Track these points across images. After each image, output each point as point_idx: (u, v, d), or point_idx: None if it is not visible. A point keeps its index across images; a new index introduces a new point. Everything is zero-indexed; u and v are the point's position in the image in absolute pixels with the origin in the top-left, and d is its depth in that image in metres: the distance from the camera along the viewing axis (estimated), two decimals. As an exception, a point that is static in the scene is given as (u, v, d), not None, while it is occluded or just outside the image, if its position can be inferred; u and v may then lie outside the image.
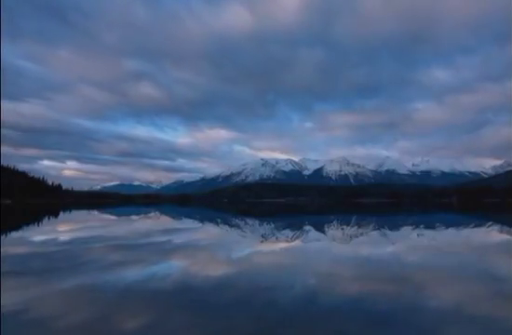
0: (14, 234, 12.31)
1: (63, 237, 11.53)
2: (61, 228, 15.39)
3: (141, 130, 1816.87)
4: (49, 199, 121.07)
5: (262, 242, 10.43)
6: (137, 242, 10.27)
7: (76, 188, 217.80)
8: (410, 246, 9.54)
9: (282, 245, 9.78)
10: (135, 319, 3.79)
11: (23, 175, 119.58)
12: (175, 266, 6.70)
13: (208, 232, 14.23)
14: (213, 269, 6.34)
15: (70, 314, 3.90)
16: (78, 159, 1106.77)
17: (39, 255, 7.87)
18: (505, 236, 11.96)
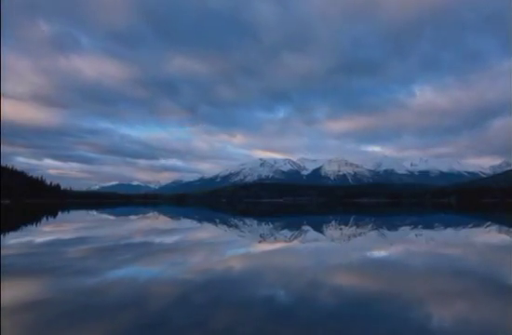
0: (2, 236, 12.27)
1: (50, 238, 11.38)
2: (55, 229, 15.32)
3: (108, 124, 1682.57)
4: (48, 199, 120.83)
5: (260, 242, 10.43)
6: (127, 243, 10.17)
7: (75, 188, 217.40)
8: (408, 247, 9.52)
9: (280, 245, 9.76)
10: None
11: (22, 175, 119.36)
12: (157, 270, 6.32)
13: (205, 232, 14.19)
14: (202, 272, 6.20)
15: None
16: (57, 157, 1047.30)
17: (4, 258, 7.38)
18: (504, 237, 11.99)
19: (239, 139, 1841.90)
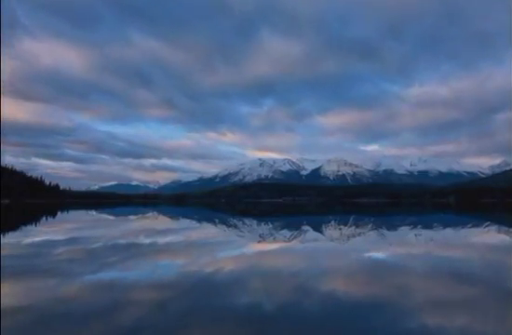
0: None
1: (47, 239, 11.28)
2: (54, 229, 15.27)
3: (86, 120, 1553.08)
4: (47, 199, 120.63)
5: (259, 242, 10.42)
6: (123, 244, 10.13)
7: (74, 188, 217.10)
8: (407, 248, 9.49)
9: (279, 246, 9.75)
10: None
11: (21, 175, 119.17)
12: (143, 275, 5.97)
13: (205, 232, 14.13)
14: (198, 273, 6.14)
15: None
16: (45, 156, 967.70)
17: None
18: (503, 237, 11.99)
19: (230, 137, 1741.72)
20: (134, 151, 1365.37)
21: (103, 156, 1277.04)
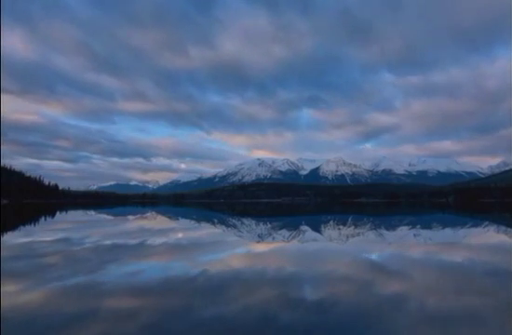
0: None
1: (33, 239, 11.26)
2: (47, 229, 15.26)
3: (60, 116, 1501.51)
4: (46, 199, 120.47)
5: (257, 242, 10.40)
6: (114, 244, 10.16)
7: (73, 188, 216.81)
8: (406, 248, 9.50)
9: (277, 246, 9.74)
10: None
11: (20, 175, 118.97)
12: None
13: (203, 232, 14.13)
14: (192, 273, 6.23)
15: None
16: (32, 155, 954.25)
17: None
18: (503, 237, 11.99)
19: (216, 135, 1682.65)
20: (119, 149, 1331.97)
21: (88, 154, 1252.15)
